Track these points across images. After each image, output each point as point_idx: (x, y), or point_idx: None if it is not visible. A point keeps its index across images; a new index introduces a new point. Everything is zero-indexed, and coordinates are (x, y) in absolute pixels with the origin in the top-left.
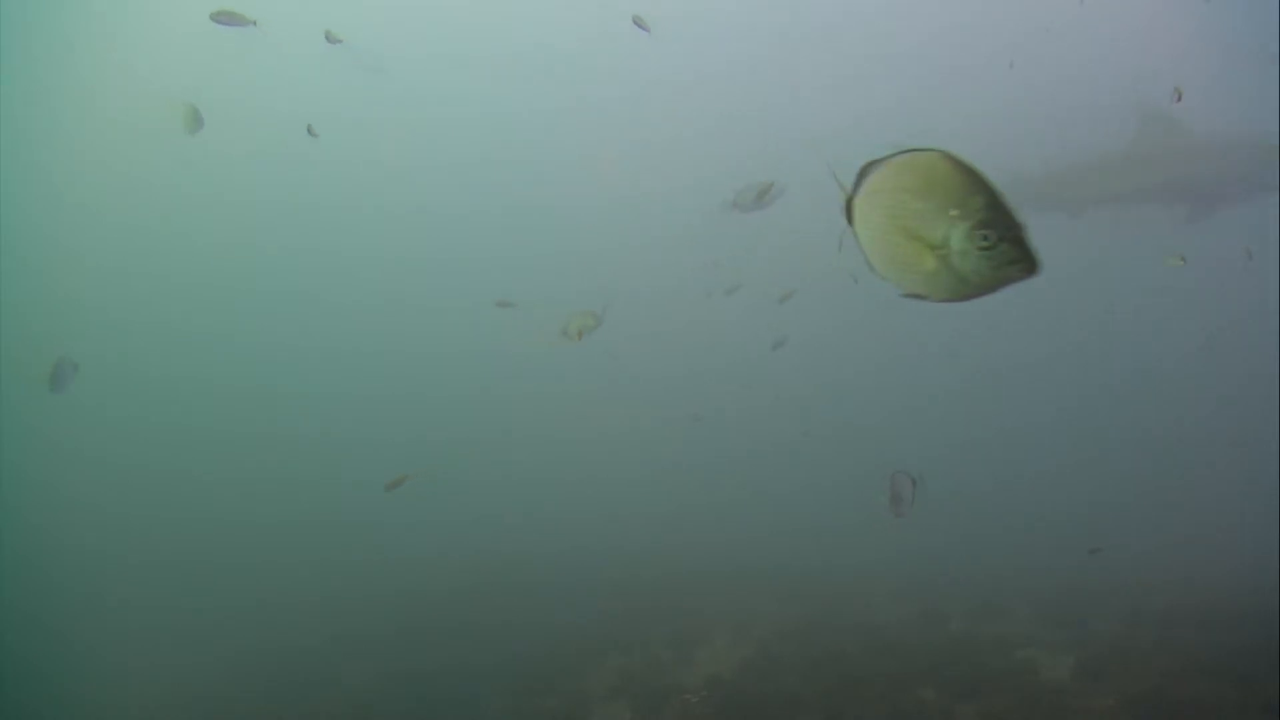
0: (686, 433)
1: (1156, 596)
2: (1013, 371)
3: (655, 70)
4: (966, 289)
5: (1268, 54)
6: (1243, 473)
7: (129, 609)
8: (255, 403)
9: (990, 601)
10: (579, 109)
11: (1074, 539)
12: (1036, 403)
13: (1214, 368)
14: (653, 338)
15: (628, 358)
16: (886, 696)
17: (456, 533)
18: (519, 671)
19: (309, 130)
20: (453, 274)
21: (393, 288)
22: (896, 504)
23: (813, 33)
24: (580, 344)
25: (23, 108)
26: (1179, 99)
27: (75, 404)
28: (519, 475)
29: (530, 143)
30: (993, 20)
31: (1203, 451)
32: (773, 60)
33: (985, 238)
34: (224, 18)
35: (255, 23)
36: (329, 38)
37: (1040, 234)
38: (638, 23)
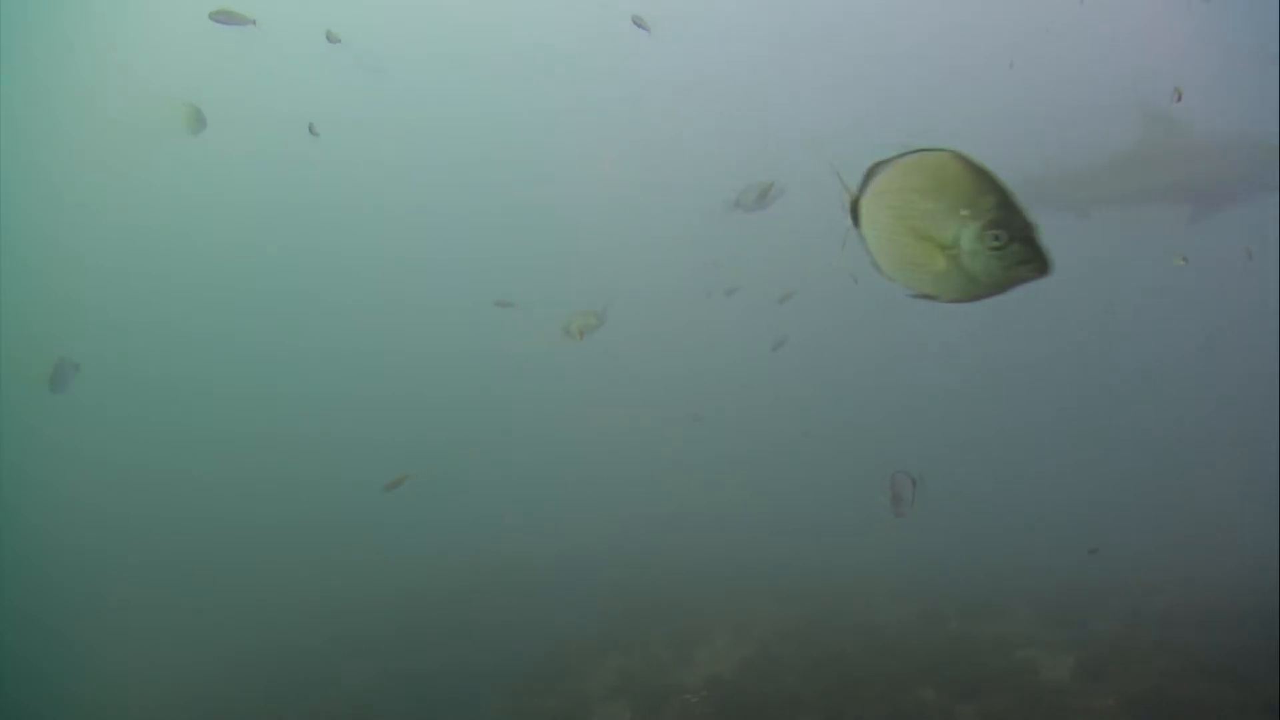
0: (686, 433)
1: (1156, 596)
2: (1013, 371)
3: (655, 70)
4: (976, 289)
5: (1268, 54)
6: (1243, 473)
7: (129, 609)
8: (255, 403)
9: (990, 601)
10: (579, 109)
11: (1074, 539)
12: (1036, 403)
13: (1214, 368)
14: (653, 338)
15: (628, 358)
16: (886, 696)
17: (456, 533)
18: (519, 671)
19: (310, 129)
20: (453, 274)
21: (393, 288)
22: (896, 504)
23: (813, 33)
24: (581, 344)
25: (23, 108)
26: (1179, 99)
27: (75, 404)
28: (519, 475)
29: (530, 143)
30: (993, 20)
31: (1203, 451)
32: (773, 60)
33: (996, 237)
34: (223, 17)
35: (255, 22)
36: (329, 37)
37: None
38: (637, 22)
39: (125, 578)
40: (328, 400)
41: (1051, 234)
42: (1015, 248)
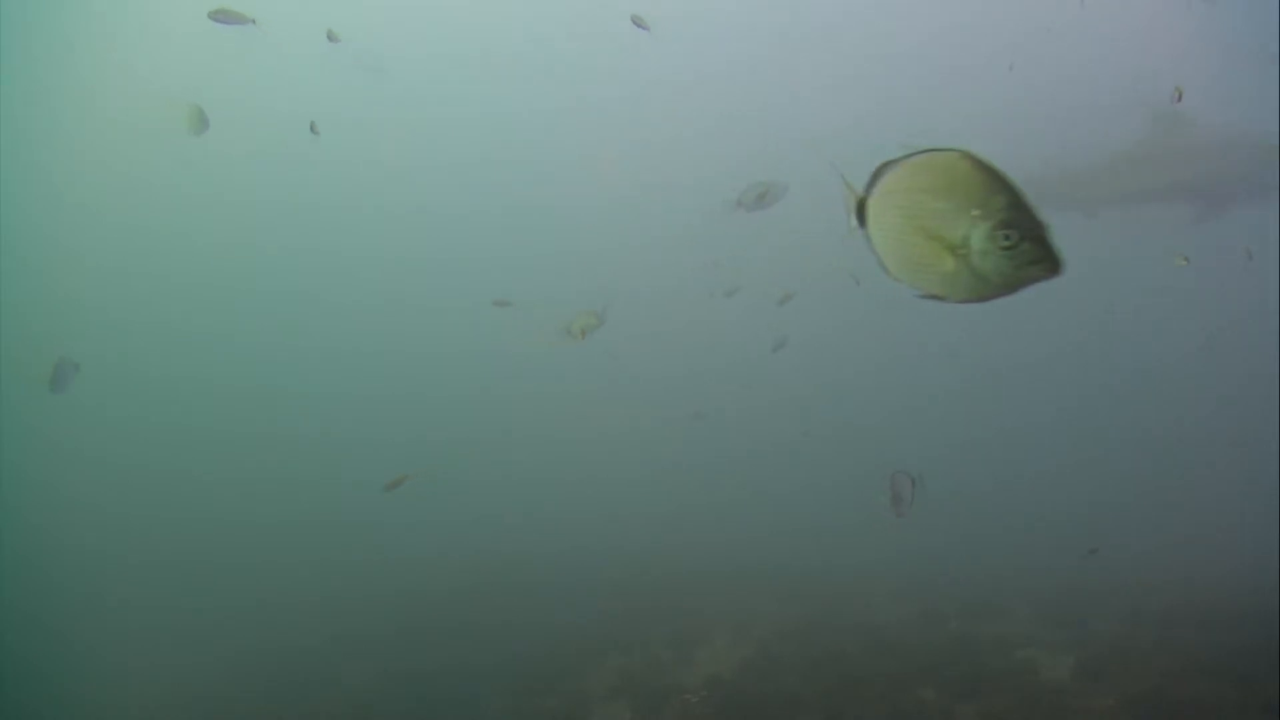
0: (687, 433)
1: (1156, 596)
2: (1013, 371)
3: (655, 70)
4: (986, 289)
5: (1268, 54)
6: (1243, 473)
7: (129, 609)
8: (255, 403)
9: (990, 601)
10: (579, 109)
11: (1074, 539)
12: (1036, 403)
13: (1214, 368)
14: (653, 338)
15: (628, 358)
16: (886, 696)
17: (456, 533)
18: (519, 671)
19: (312, 128)
20: (453, 274)
21: (393, 288)
22: (896, 504)
23: (813, 33)
24: (581, 344)
25: (23, 108)
26: (1179, 99)
27: (75, 404)
28: (519, 475)
29: (530, 143)
30: (993, 20)
31: (1203, 451)
32: (773, 60)
33: (1007, 237)
34: (222, 16)
35: (254, 21)
36: (330, 36)
37: None
38: (636, 22)
39: (125, 578)
40: (328, 400)
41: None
42: (1026, 247)
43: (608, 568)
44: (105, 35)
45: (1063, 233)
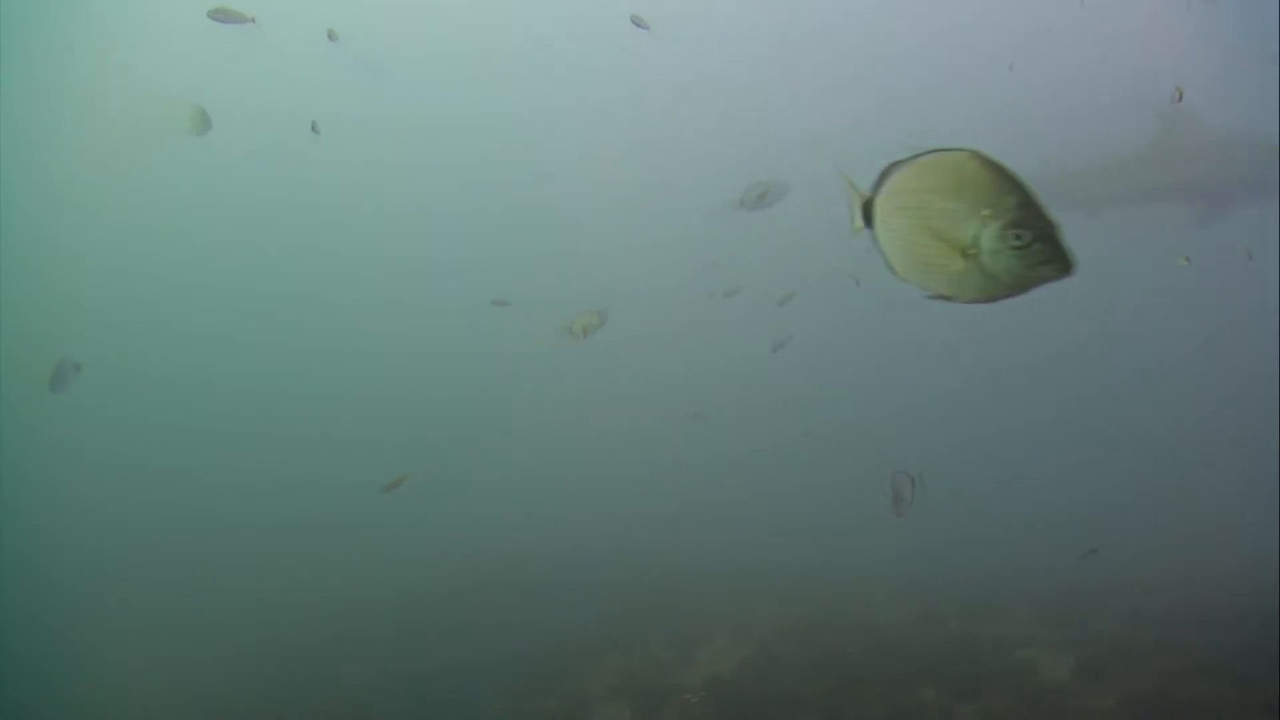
0: (687, 433)
1: (1156, 596)
2: (1013, 371)
3: (655, 70)
4: (996, 289)
5: (1268, 54)
6: (1243, 473)
7: (129, 609)
8: (255, 403)
9: (990, 601)
10: (579, 109)
11: (1074, 539)
12: (1036, 403)
13: (1214, 368)
14: (653, 338)
15: (628, 358)
16: (886, 696)
17: (456, 533)
18: (519, 671)
19: (313, 127)
20: (453, 274)
21: (393, 288)
22: (896, 504)
23: (813, 33)
24: (581, 344)
25: (23, 108)
26: (1179, 99)
27: (75, 404)
28: (519, 475)
29: (530, 143)
30: (993, 20)
31: (1203, 451)
32: (773, 60)
33: (1018, 236)
34: (222, 15)
35: (254, 20)
36: (330, 36)
37: None
38: (636, 22)
39: (125, 578)
40: (328, 400)
41: None
42: (1038, 247)
43: (608, 568)
44: (105, 35)
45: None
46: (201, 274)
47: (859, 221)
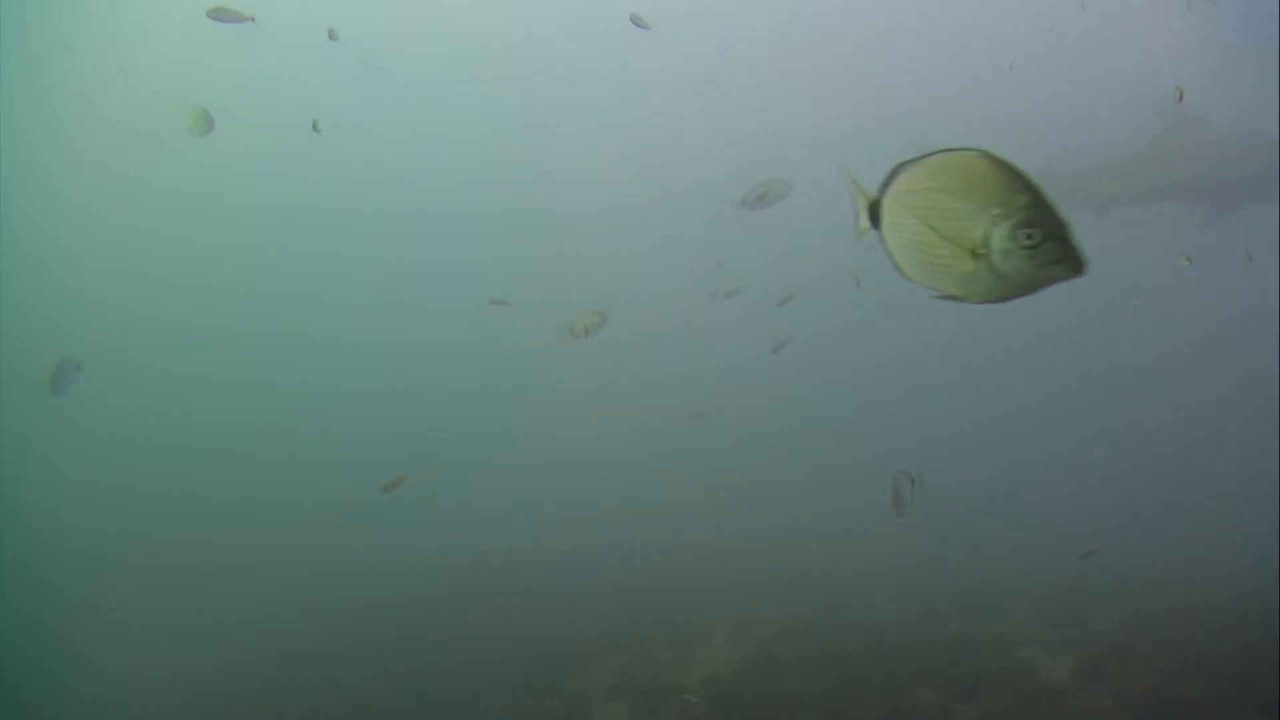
0: (686, 433)
1: (1156, 596)
2: (1013, 371)
3: (655, 70)
4: (1006, 289)
5: (1268, 54)
6: (1243, 473)
7: (129, 609)
8: (255, 403)
9: (990, 601)
10: (579, 109)
11: (1074, 539)
12: (1036, 403)
13: (1214, 368)
14: (653, 338)
15: (628, 358)
16: (886, 696)
17: (456, 533)
18: (519, 671)
19: (314, 126)
20: (453, 274)
21: (393, 288)
22: (897, 504)
23: (813, 33)
24: (581, 344)
25: (23, 108)
26: (1180, 99)
27: (75, 404)
28: (519, 475)
29: (530, 143)
30: (993, 20)
31: (1203, 451)
32: (773, 60)
33: (1029, 236)
34: (221, 14)
35: (253, 19)
36: (330, 35)
37: None
38: (636, 21)
39: (125, 578)
40: (328, 400)
41: None
42: (1048, 247)
43: (608, 568)
44: (105, 35)
45: None
46: (201, 274)
47: (864, 222)
